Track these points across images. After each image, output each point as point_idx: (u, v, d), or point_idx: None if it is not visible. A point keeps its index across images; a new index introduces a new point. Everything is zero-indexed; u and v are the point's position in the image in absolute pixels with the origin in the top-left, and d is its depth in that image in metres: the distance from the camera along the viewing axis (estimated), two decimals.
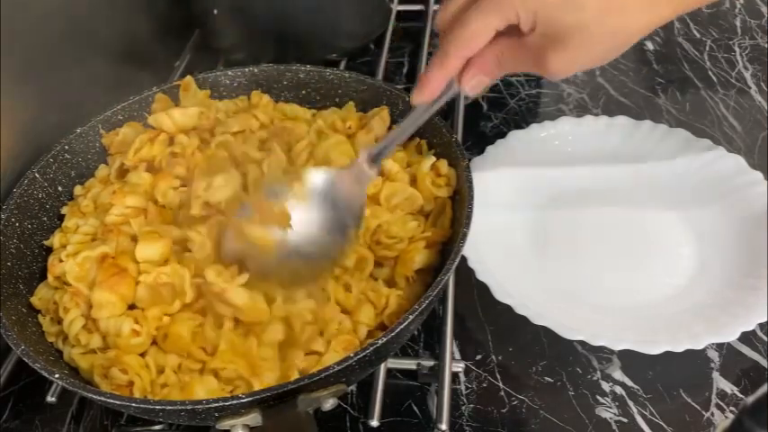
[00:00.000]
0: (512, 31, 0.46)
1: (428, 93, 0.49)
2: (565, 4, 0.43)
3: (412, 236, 0.55)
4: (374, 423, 0.52)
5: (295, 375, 0.48)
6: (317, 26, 0.81)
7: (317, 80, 0.68)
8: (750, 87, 0.85)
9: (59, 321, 0.52)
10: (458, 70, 0.48)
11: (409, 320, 0.46)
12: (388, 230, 0.54)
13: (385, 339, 0.45)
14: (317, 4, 0.80)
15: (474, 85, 0.48)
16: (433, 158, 0.59)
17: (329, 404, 0.44)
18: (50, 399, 0.55)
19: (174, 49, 0.91)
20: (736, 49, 0.91)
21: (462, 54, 0.47)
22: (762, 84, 0.85)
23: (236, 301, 0.49)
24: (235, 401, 0.42)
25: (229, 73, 0.69)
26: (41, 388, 0.57)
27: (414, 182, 0.58)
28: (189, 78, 0.66)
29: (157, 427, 0.55)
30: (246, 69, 0.69)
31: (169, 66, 0.88)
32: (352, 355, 0.44)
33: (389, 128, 0.63)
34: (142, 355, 0.50)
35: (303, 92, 0.69)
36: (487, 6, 0.45)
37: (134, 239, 0.54)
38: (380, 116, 0.62)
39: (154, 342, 0.51)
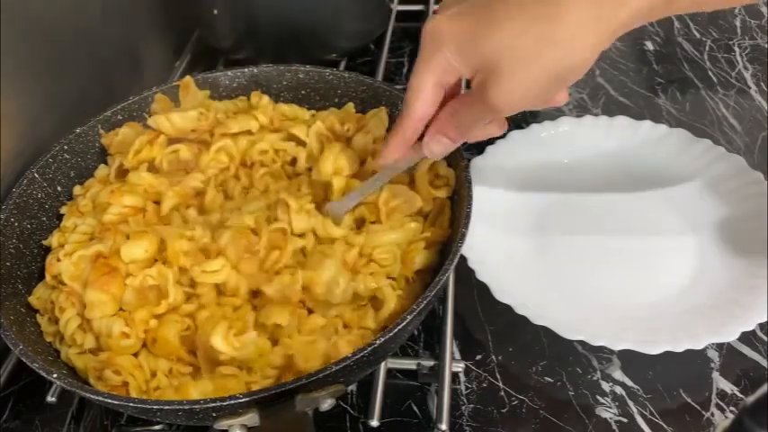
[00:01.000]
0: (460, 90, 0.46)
1: (388, 157, 0.50)
2: (480, 28, 0.41)
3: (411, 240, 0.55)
4: (374, 423, 0.52)
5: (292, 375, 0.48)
6: (316, 26, 0.81)
7: (317, 80, 0.68)
8: (750, 87, 0.85)
9: (57, 321, 0.52)
10: (416, 135, 0.48)
11: (407, 321, 0.45)
12: (379, 259, 0.54)
13: (383, 339, 0.44)
14: (317, 4, 0.80)
15: (436, 149, 0.48)
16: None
17: (327, 404, 0.44)
18: (50, 399, 0.55)
19: (174, 49, 0.91)
20: (736, 49, 0.91)
21: (412, 117, 0.47)
22: (762, 84, 0.85)
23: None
24: (232, 401, 0.42)
25: (229, 73, 0.69)
26: (41, 388, 0.57)
27: (412, 183, 0.58)
28: (188, 78, 0.66)
29: (157, 428, 0.55)
30: (246, 69, 0.69)
31: (169, 66, 0.88)
32: (349, 355, 0.44)
33: (388, 129, 0.62)
34: (135, 354, 0.50)
35: (303, 92, 0.69)
36: (418, 66, 0.45)
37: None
38: (379, 117, 0.61)
39: (145, 344, 0.51)
